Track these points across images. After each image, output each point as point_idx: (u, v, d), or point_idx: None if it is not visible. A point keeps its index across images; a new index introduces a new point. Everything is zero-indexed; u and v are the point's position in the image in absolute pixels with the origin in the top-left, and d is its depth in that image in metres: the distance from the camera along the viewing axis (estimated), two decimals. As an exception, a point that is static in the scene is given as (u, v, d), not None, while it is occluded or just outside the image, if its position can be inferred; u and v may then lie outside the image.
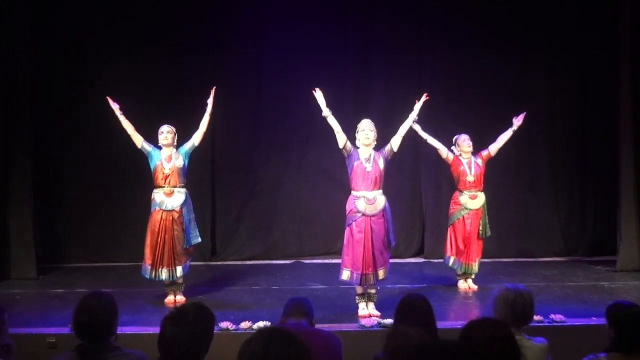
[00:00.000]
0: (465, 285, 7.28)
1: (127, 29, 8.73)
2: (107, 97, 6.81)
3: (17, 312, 6.20)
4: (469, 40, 8.99)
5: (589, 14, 9.02)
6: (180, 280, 6.77)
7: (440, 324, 3.74)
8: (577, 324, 5.77)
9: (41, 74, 8.48)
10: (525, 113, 7.29)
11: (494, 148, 7.26)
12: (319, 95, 6.19)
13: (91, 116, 8.74)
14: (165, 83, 8.74)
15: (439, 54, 9.10)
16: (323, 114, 6.15)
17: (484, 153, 7.28)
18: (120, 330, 3.19)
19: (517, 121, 7.24)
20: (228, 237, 9.13)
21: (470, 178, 7.20)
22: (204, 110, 6.80)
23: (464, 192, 7.24)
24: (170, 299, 6.70)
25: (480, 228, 7.23)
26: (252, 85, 9.12)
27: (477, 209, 7.23)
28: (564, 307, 6.24)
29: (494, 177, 8.75)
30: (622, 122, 8.20)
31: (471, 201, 7.24)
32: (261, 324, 5.48)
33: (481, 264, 7.40)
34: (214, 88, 6.86)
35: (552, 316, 5.78)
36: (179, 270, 6.65)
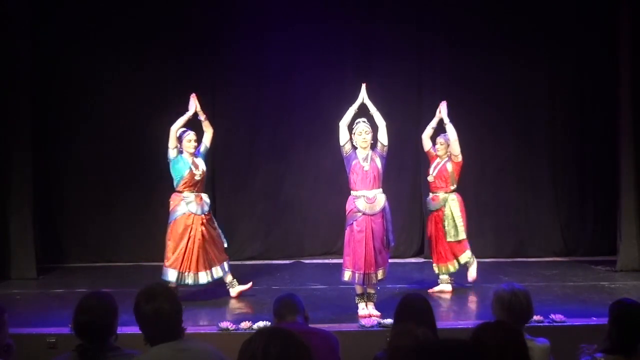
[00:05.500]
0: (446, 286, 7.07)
1: (128, 29, 8.73)
2: (193, 94, 6.73)
3: (17, 312, 6.20)
4: (469, 40, 8.99)
5: (589, 14, 9.01)
6: (228, 279, 6.77)
7: (440, 324, 3.74)
8: (577, 324, 5.76)
9: (41, 73, 8.48)
10: (444, 101, 7.05)
11: (452, 151, 6.96)
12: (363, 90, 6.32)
13: (91, 116, 8.76)
14: (165, 83, 8.73)
15: (439, 54, 9.09)
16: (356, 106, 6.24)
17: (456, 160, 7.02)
18: (120, 330, 3.18)
19: (443, 113, 6.94)
20: (228, 237, 9.08)
21: (430, 178, 7.11)
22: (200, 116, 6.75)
23: (429, 192, 7.20)
24: None
25: (446, 231, 6.98)
26: (252, 85, 9.11)
27: (436, 211, 7.06)
28: (564, 307, 6.23)
29: (494, 177, 8.77)
30: (622, 122, 8.20)
31: (431, 202, 7.14)
32: (261, 324, 5.47)
33: (481, 264, 7.39)
34: (192, 95, 6.76)
35: (552, 316, 5.77)
36: (219, 271, 6.67)
